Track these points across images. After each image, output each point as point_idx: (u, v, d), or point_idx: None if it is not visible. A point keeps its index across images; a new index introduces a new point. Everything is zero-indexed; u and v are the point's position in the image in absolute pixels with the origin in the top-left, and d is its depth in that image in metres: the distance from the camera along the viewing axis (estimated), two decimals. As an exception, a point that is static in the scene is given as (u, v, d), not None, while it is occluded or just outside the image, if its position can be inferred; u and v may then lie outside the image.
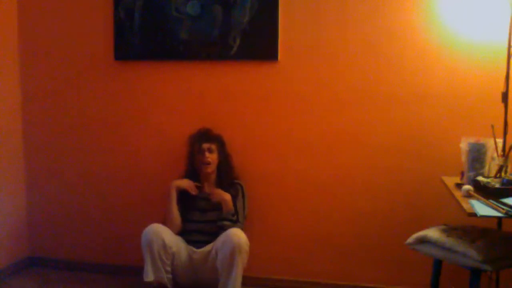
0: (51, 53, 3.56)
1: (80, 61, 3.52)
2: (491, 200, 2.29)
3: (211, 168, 3.15)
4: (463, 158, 2.68)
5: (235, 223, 3.02)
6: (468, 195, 2.40)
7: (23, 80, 3.62)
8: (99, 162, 3.56)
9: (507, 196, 2.34)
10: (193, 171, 3.20)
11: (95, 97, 3.53)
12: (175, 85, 3.40)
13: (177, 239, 3.06)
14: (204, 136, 3.17)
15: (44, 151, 3.65)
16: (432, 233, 2.51)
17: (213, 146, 3.15)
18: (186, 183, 3.14)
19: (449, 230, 2.52)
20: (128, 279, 3.45)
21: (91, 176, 3.58)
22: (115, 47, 3.43)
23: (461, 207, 2.29)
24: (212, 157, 3.14)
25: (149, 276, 2.90)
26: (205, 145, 3.13)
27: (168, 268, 2.95)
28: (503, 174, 2.57)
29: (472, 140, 2.64)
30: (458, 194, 2.46)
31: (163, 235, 2.95)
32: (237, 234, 2.86)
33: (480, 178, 2.51)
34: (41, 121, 3.63)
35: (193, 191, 3.14)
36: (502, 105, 2.80)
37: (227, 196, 3.05)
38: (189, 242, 3.09)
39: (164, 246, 2.93)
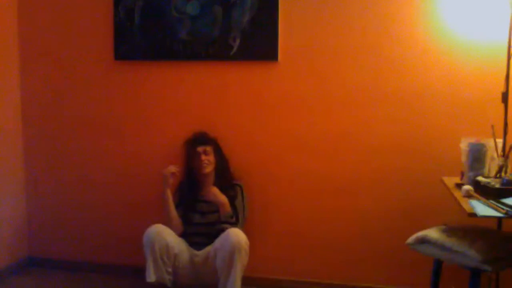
0: (51, 53, 3.56)
1: (80, 61, 3.52)
2: (491, 200, 2.29)
3: (209, 168, 3.15)
4: (463, 158, 2.68)
5: (234, 224, 3.02)
6: (468, 195, 2.40)
7: (23, 80, 3.62)
8: (98, 162, 3.56)
9: (507, 196, 2.34)
10: (191, 176, 3.20)
11: (95, 97, 3.53)
12: (175, 85, 3.40)
13: (179, 240, 3.06)
14: (198, 139, 3.17)
15: (44, 151, 3.65)
16: (432, 233, 2.51)
17: (208, 148, 3.15)
18: (167, 173, 3.09)
19: (449, 230, 2.52)
20: (128, 279, 3.45)
21: (91, 176, 3.58)
22: (115, 47, 3.43)
23: (461, 207, 2.29)
24: (208, 159, 3.14)
25: (151, 276, 2.90)
26: (200, 148, 3.12)
27: (169, 269, 2.95)
28: (503, 174, 2.57)
29: (472, 140, 2.65)
30: (458, 194, 2.47)
31: (166, 236, 2.95)
32: (236, 234, 2.86)
33: (480, 178, 2.51)
34: (41, 121, 3.63)
35: (174, 169, 3.10)
36: (502, 105, 2.80)
37: (224, 199, 3.05)
38: (190, 244, 3.08)
39: (167, 247, 2.93)
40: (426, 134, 3.09)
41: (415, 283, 3.10)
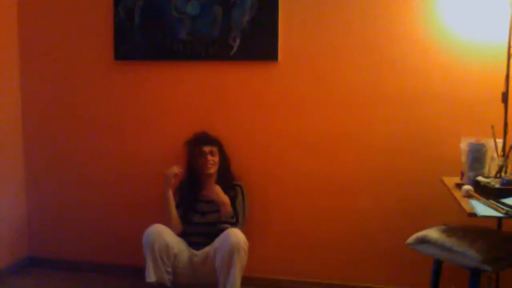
0: (51, 53, 3.56)
1: (80, 61, 3.52)
2: (491, 200, 2.29)
3: (214, 169, 3.15)
4: (463, 158, 2.68)
5: (234, 225, 3.02)
6: (468, 195, 2.40)
7: (23, 80, 3.61)
8: (98, 162, 3.56)
9: (507, 196, 2.34)
10: (192, 176, 3.20)
11: (95, 97, 3.53)
12: (175, 85, 3.40)
13: (178, 240, 3.06)
14: (204, 139, 3.17)
15: (44, 151, 3.65)
16: (432, 233, 2.51)
17: (214, 149, 3.15)
18: (170, 174, 3.10)
19: (449, 230, 2.52)
20: (128, 279, 3.45)
21: (91, 176, 3.58)
22: (115, 47, 3.43)
23: (461, 207, 2.29)
24: (214, 159, 3.14)
25: (151, 277, 2.90)
26: (206, 148, 3.13)
27: (169, 269, 2.95)
28: (503, 174, 2.57)
29: (472, 140, 2.64)
30: (458, 194, 2.47)
31: (165, 236, 2.95)
32: (235, 234, 2.86)
33: (480, 178, 2.51)
34: (41, 121, 3.63)
35: (177, 170, 3.11)
36: (502, 105, 2.80)
37: (226, 199, 3.05)
38: (190, 244, 3.08)
39: (166, 247, 2.92)
40: (426, 134, 3.09)
41: (415, 283, 3.10)
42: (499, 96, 2.80)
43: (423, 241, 2.53)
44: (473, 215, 2.18)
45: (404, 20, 3.07)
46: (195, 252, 3.05)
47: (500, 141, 2.70)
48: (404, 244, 2.63)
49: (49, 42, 3.56)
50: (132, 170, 3.51)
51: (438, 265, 2.66)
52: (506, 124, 2.80)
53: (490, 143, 2.63)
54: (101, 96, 3.52)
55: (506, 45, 2.76)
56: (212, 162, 3.14)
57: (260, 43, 3.22)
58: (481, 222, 2.53)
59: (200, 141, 3.17)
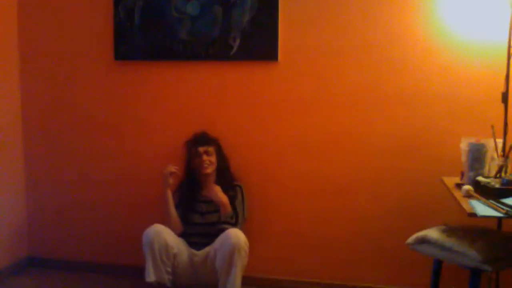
0: (51, 53, 3.56)
1: (80, 61, 3.52)
2: (491, 200, 2.29)
3: (210, 169, 3.15)
4: (463, 158, 2.68)
5: (234, 225, 3.02)
6: (468, 195, 2.40)
7: (23, 80, 3.62)
8: (98, 162, 3.56)
9: (507, 196, 2.34)
10: (192, 177, 3.20)
11: (95, 97, 3.53)
12: (175, 85, 3.40)
13: (178, 240, 3.06)
14: (201, 139, 3.18)
15: (44, 151, 3.65)
16: (432, 233, 2.51)
17: (210, 149, 3.15)
18: (167, 173, 3.10)
19: (449, 230, 2.52)
20: (128, 279, 3.45)
21: (91, 176, 3.58)
22: (115, 47, 3.43)
23: (461, 207, 2.29)
24: (210, 159, 3.14)
25: (151, 276, 2.89)
26: (202, 148, 3.13)
27: (169, 269, 2.95)
28: (503, 174, 2.57)
29: (472, 140, 2.64)
30: (458, 194, 2.46)
31: (165, 236, 2.95)
32: (236, 234, 2.86)
33: (480, 178, 2.51)
34: (41, 121, 3.63)
35: (173, 169, 3.12)
36: (502, 105, 2.80)
37: (225, 199, 3.05)
38: (189, 244, 3.08)
39: (166, 246, 2.92)
40: (426, 134, 3.09)
41: (415, 283, 3.10)
42: (499, 96, 2.80)
43: (423, 241, 2.53)
44: (473, 215, 2.18)
45: (404, 20, 3.07)
46: (195, 252, 3.05)
47: (500, 141, 2.70)
48: (404, 244, 2.63)
49: (49, 42, 3.56)
50: (132, 170, 3.51)
51: (438, 265, 2.66)
52: (506, 124, 2.81)
53: (490, 143, 2.62)
54: (101, 96, 3.52)
55: (506, 45, 2.77)
56: (208, 162, 3.14)
57: (260, 43, 3.22)
58: (481, 222, 2.53)
59: (196, 142, 3.17)
